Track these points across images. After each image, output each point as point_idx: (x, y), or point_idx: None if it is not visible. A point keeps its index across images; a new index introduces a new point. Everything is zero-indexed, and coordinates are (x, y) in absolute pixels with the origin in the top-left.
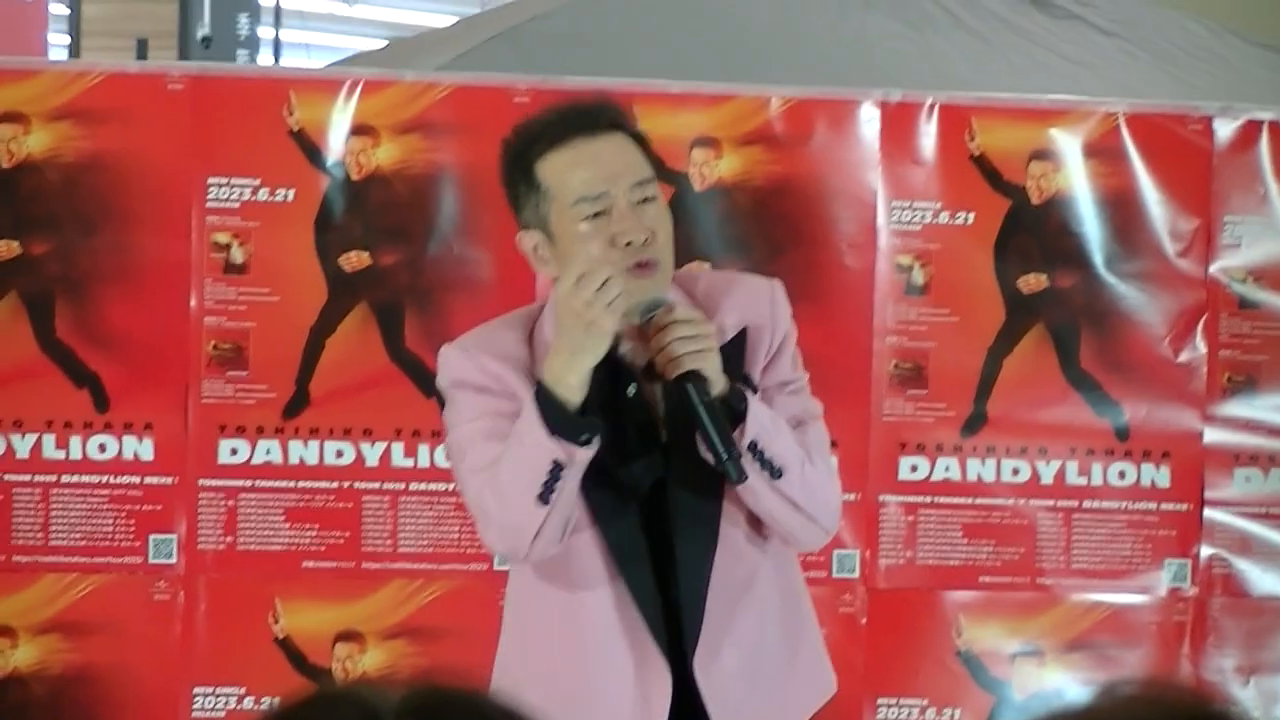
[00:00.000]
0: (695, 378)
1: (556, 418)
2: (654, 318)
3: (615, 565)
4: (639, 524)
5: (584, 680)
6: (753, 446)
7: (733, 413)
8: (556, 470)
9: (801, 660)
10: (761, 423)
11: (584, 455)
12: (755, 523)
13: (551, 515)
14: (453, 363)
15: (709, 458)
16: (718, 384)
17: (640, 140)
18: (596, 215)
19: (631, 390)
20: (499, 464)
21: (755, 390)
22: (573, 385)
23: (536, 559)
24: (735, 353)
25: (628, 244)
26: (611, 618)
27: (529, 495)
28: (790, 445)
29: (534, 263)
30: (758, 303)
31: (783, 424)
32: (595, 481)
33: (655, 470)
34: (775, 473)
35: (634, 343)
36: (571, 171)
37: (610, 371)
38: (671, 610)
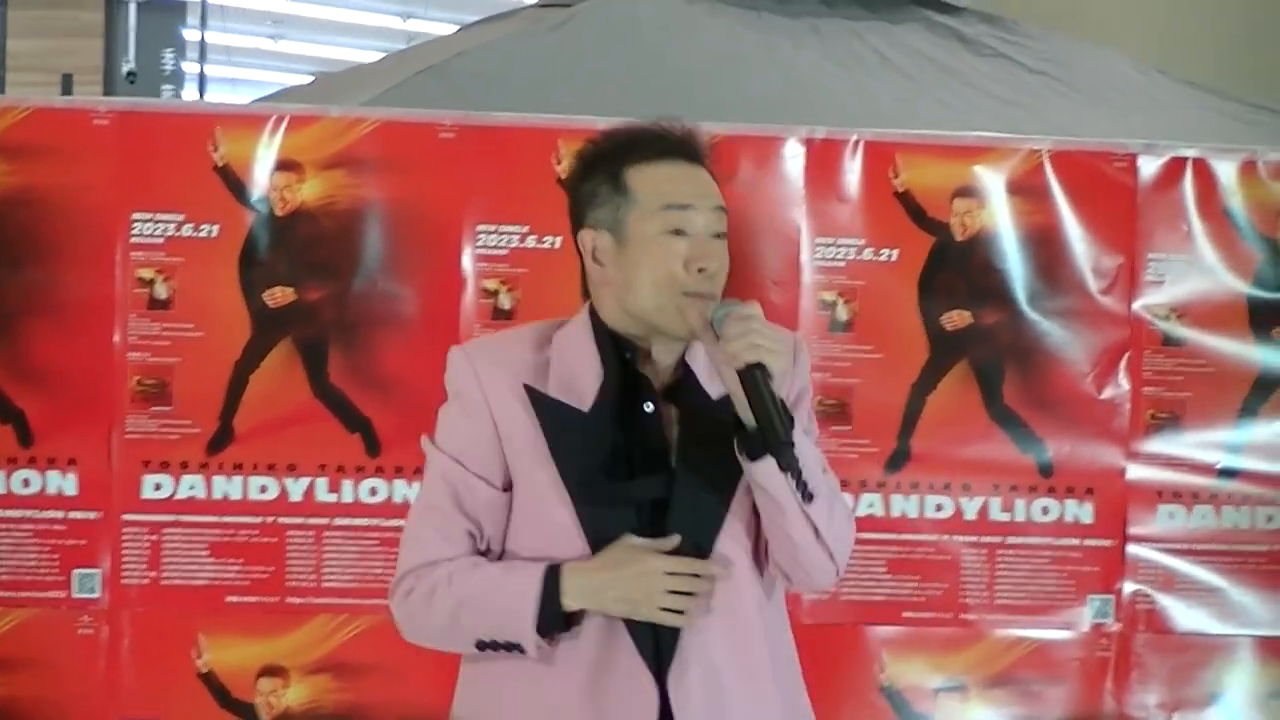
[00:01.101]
0: (764, 370)
1: (550, 620)
2: (735, 308)
3: None
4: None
5: (570, 686)
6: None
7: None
8: (512, 648)
9: (783, 696)
10: (806, 445)
11: (539, 644)
12: (753, 559)
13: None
14: (453, 368)
15: (760, 446)
16: (777, 370)
17: (716, 180)
18: (678, 233)
19: (649, 408)
20: (466, 580)
21: None
22: (582, 607)
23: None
24: None
25: (700, 270)
26: (597, 633)
27: (469, 633)
28: (822, 475)
29: (587, 261)
30: (784, 353)
31: (820, 458)
32: (593, 496)
33: (655, 490)
34: (808, 496)
35: (658, 361)
36: (667, 183)
37: (629, 385)
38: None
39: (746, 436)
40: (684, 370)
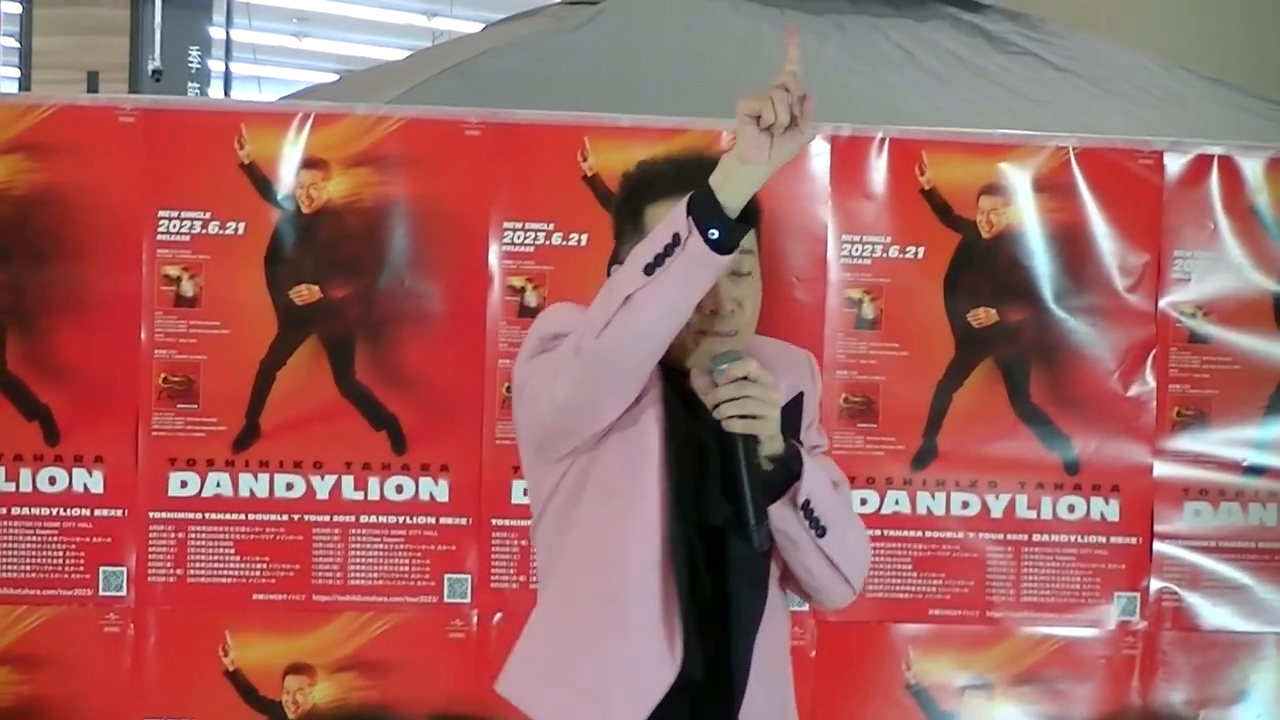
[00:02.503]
0: (749, 438)
1: (705, 206)
2: (728, 368)
3: (661, 562)
4: (695, 560)
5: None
6: (805, 505)
7: (788, 472)
8: (674, 242)
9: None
10: (817, 481)
11: (705, 252)
12: (780, 588)
13: (638, 305)
14: (561, 314)
15: (733, 519)
16: (770, 446)
17: (747, 213)
18: None
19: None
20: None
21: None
22: (738, 191)
23: (588, 385)
24: (791, 417)
25: (713, 311)
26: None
27: (638, 265)
28: (836, 506)
29: None
30: (801, 371)
31: (830, 485)
32: (683, 516)
33: (725, 512)
34: (821, 531)
35: (701, 389)
36: None
37: (688, 407)
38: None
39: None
40: None
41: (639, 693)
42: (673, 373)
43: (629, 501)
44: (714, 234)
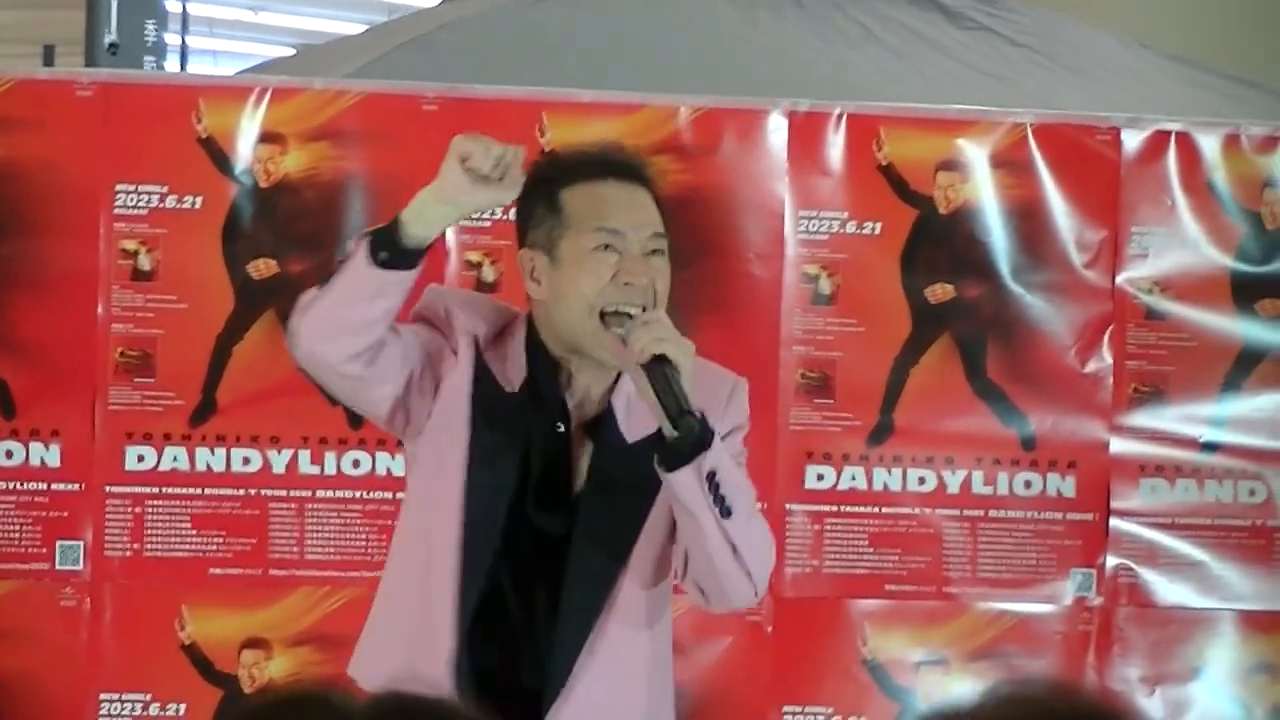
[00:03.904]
0: (667, 360)
1: (385, 232)
2: (640, 317)
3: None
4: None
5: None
6: (710, 476)
7: (696, 439)
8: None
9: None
10: (722, 457)
11: (365, 262)
12: (651, 595)
13: (309, 307)
14: (425, 299)
15: (666, 426)
16: (685, 367)
17: (660, 203)
18: (607, 248)
19: (560, 428)
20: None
21: None
22: (428, 224)
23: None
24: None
25: (627, 284)
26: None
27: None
28: (742, 492)
29: (527, 282)
30: (717, 392)
31: (739, 473)
32: (494, 516)
33: (554, 526)
34: (725, 511)
35: (580, 392)
36: (597, 205)
37: (543, 404)
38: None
39: (664, 446)
40: (607, 408)
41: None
42: (538, 369)
43: (434, 501)
44: (383, 255)
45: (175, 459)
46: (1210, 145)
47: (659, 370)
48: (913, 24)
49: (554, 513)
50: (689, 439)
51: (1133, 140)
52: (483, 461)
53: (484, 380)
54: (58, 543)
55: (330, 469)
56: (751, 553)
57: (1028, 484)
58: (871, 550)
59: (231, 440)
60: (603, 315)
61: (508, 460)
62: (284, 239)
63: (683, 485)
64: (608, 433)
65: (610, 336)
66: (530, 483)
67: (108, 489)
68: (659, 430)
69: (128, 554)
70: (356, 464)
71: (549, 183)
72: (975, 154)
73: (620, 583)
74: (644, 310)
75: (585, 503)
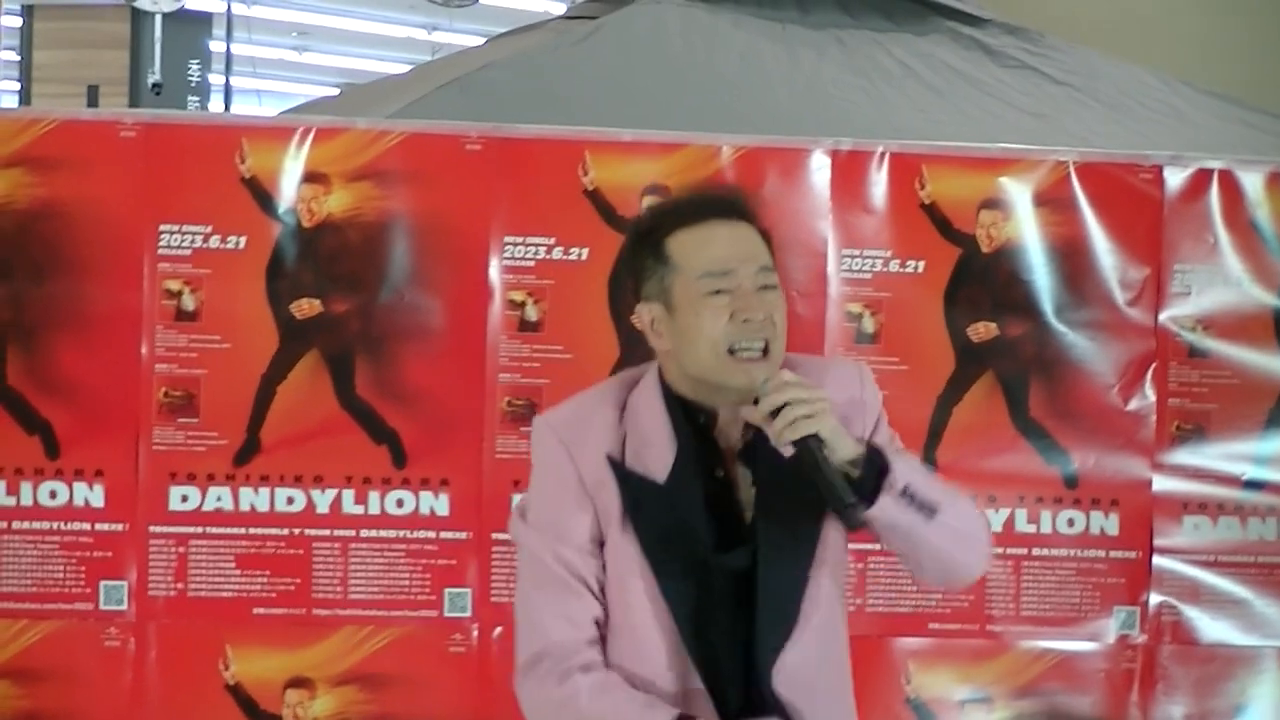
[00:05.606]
0: (815, 440)
1: None
2: (770, 384)
3: (682, 636)
4: (720, 600)
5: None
6: (906, 490)
7: (875, 469)
8: None
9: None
10: (909, 466)
11: None
12: (835, 607)
13: None
14: (541, 444)
15: (835, 510)
16: (840, 446)
17: (766, 236)
18: (718, 293)
19: (720, 473)
20: (599, 701)
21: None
22: None
23: None
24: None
25: (745, 321)
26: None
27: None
28: (936, 483)
29: (649, 335)
30: (850, 384)
31: (922, 467)
32: (674, 569)
33: (738, 561)
34: (931, 511)
35: (728, 426)
36: (702, 248)
37: (699, 451)
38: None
39: (843, 516)
40: (754, 431)
41: None
42: (693, 414)
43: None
44: None
45: (219, 499)
46: (1253, 183)
47: (809, 456)
48: (955, 62)
49: (734, 550)
50: (865, 493)
51: (1175, 178)
52: (667, 576)
53: (628, 483)
54: (101, 583)
55: (374, 508)
56: (971, 525)
57: (1070, 522)
58: (915, 589)
59: (275, 480)
60: (730, 351)
61: (685, 549)
62: (327, 278)
63: (886, 513)
64: (765, 456)
65: (742, 368)
66: (718, 547)
67: (151, 529)
68: None
69: (172, 594)
70: (400, 503)
71: (652, 233)
72: (1018, 192)
73: (808, 592)
74: (766, 346)
75: (762, 537)
